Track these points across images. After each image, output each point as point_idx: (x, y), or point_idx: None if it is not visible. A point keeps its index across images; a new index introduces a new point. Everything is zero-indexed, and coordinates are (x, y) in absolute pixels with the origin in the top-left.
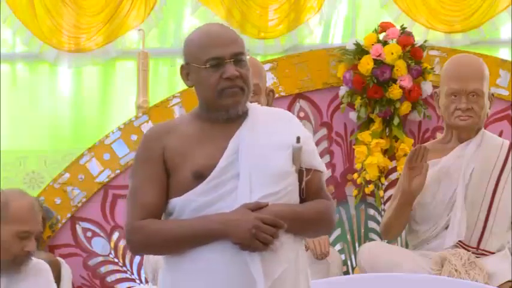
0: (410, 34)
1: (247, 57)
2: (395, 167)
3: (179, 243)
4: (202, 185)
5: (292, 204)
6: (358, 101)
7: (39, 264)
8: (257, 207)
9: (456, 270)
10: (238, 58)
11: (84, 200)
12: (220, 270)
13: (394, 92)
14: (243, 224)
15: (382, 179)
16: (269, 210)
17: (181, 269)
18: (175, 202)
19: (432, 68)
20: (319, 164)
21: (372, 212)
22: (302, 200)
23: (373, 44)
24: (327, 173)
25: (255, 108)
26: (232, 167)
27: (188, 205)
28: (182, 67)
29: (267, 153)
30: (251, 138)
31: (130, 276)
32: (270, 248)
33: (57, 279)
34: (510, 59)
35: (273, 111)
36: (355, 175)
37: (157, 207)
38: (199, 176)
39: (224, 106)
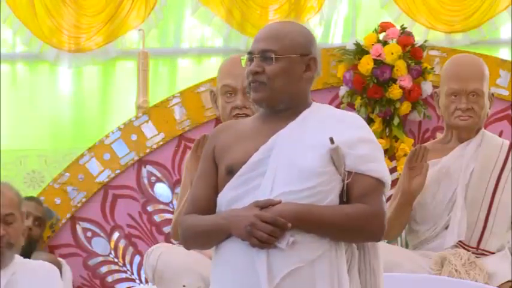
0: (410, 34)
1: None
2: (396, 167)
3: (202, 237)
4: (233, 180)
5: (314, 205)
6: (358, 101)
7: (42, 266)
8: (267, 204)
9: (456, 270)
10: (264, 55)
11: (84, 200)
12: (238, 263)
13: (394, 92)
14: (241, 221)
15: None
16: (276, 208)
17: (214, 261)
18: (218, 197)
19: (432, 68)
20: (370, 169)
21: None
22: (344, 203)
23: (373, 44)
24: (390, 182)
25: (317, 108)
26: (263, 164)
27: (222, 200)
28: None
29: (299, 151)
30: (290, 136)
31: (130, 276)
32: (273, 246)
33: None
34: (510, 59)
35: (335, 113)
36: None
37: (205, 202)
38: (230, 171)
39: (252, 100)
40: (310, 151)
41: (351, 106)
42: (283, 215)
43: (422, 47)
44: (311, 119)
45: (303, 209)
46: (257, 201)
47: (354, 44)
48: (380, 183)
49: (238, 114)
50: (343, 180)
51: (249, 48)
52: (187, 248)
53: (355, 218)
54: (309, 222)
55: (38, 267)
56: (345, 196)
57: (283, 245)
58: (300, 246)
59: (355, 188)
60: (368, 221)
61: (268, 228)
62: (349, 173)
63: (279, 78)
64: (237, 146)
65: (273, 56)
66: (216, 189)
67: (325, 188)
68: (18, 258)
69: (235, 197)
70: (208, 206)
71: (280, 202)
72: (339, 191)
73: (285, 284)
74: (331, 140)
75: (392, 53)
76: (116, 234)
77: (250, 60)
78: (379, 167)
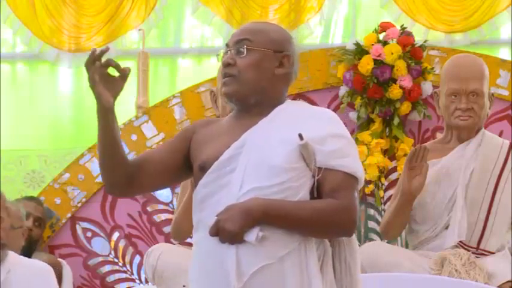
0: (410, 34)
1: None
2: (395, 167)
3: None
4: (204, 177)
5: (283, 200)
6: (358, 101)
7: (36, 265)
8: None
9: (456, 270)
10: (237, 47)
11: (84, 200)
12: (209, 261)
13: (394, 92)
14: None
15: (382, 179)
16: (245, 203)
17: (191, 260)
18: (193, 194)
19: (432, 68)
20: (341, 165)
21: (372, 212)
22: (316, 199)
23: (373, 44)
24: (363, 177)
25: (289, 104)
26: (234, 160)
27: (196, 197)
28: None
29: (269, 148)
30: (261, 133)
31: (130, 276)
32: (242, 241)
33: (59, 280)
34: (510, 59)
35: (307, 109)
36: None
37: (150, 157)
38: (202, 168)
39: (223, 95)
40: (280, 147)
41: (351, 106)
42: (251, 209)
43: (422, 47)
44: (282, 116)
45: (271, 203)
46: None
47: (354, 44)
48: (352, 178)
49: None
50: (313, 176)
51: (227, 41)
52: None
53: (325, 213)
54: (277, 217)
55: (32, 265)
56: (316, 192)
57: (252, 238)
58: (269, 243)
59: (326, 184)
60: (338, 215)
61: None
62: (320, 168)
63: (249, 71)
64: (211, 143)
65: (245, 47)
66: (164, 161)
67: (295, 184)
68: (12, 257)
69: (207, 194)
70: (147, 158)
71: None
72: (309, 187)
73: (254, 281)
74: (300, 136)
75: (392, 53)
76: (116, 234)
77: (226, 53)
78: (350, 162)
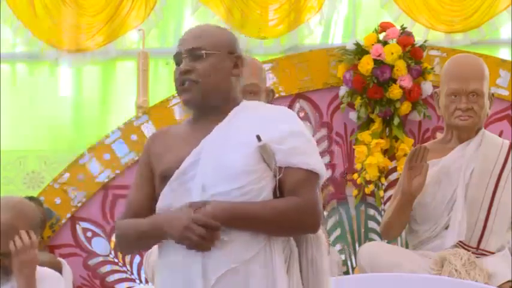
0: (410, 34)
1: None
2: (396, 167)
3: (139, 240)
4: (167, 186)
5: (245, 202)
6: (358, 101)
7: (47, 272)
8: (202, 205)
9: (456, 270)
10: (193, 53)
11: (84, 200)
12: (175, 265)
13: (394, 92)
14: (176, 224)
15: (382, 179)
16: (208, 208)
17: (157, 263)
18: (157, 204)
19: (432, 68)
20: (300, 162)
21: (372, 212)
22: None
23: (373, 44)
24: (324, 172)
25: (245, 106)
26: (194, 167)
27: (159, 206)
28: None
29: (228, 151)
30: (218, 137)
31: (130, 276)
32: (204, 248)
33: None
34: (510, 59)
35: (264, 109)
36: (355, 175)
37: (140, 207)
38: (164, 177)
39: (182, 102)
40: (238, 150)
41: (351, 106)
42: (215, 215)
43: (422, 47)
44: (239, 118)
45: (233, 207)
46: (191, 202)
47: (354, 44)
48: (312, 174)
49: None
50: (275, 176)
51: (176, 50)
52: (122, 251)
53: (287, 211)
54: (241, 219)
55: (42, 273)
56: (278, 192)
57: (215, 245)
58: (234, 246)
59: (287, 182)
60: (300, 212)
61: (200, 231)
62: (281, 168)
63: (211, 75)
64: (170, 152)
65: (204, 52)
66: (151, 197)
67: (256, 186)
68: None
69: (170, 203)
70: (143, 211)
71: (205, 204)
72: (272, 188)
73: (220, 286)
74: (258, 138)
75: (392, 53)
76: None
77: (178, 63)
78: (309, 158)
